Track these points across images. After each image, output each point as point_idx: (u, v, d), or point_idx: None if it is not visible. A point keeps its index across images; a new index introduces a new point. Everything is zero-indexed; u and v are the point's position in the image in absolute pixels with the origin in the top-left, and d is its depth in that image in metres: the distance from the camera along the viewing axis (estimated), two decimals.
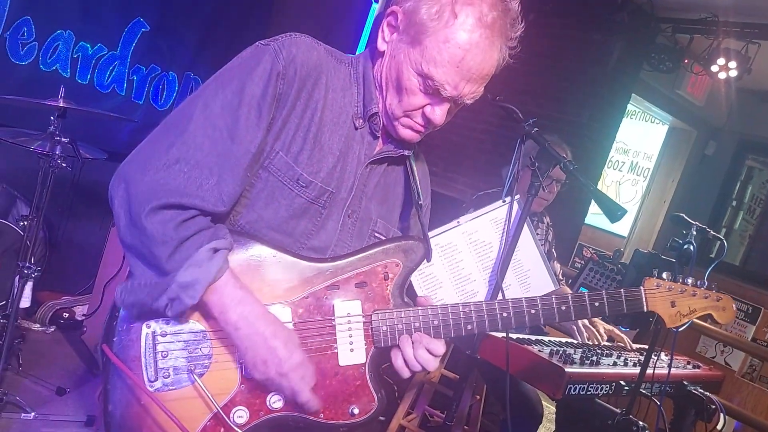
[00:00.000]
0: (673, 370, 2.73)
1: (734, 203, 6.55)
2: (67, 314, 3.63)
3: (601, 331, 2.95)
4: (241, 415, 1.20)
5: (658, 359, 2.70)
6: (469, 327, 1.31)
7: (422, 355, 1.26)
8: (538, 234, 3.23)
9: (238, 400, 1.20)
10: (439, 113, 1.26)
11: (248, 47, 1.25)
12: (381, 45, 1.29)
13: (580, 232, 5.32)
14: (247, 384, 1.21)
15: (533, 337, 2.61)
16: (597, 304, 1.39)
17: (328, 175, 1.27)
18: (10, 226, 3.22)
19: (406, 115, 1.28)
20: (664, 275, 1.49)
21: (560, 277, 3.31)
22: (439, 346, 1.28)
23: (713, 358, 4.93)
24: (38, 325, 3.50)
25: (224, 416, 1.18)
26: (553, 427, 3.32)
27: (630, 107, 5.86)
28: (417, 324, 1.28)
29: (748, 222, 6.57)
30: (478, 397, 3.20)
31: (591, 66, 4.74)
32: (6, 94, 3.14)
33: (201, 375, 1.19)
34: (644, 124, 6.92)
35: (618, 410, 2.33)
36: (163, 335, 1.18)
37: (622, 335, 3.07)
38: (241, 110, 1.16)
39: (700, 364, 3.09)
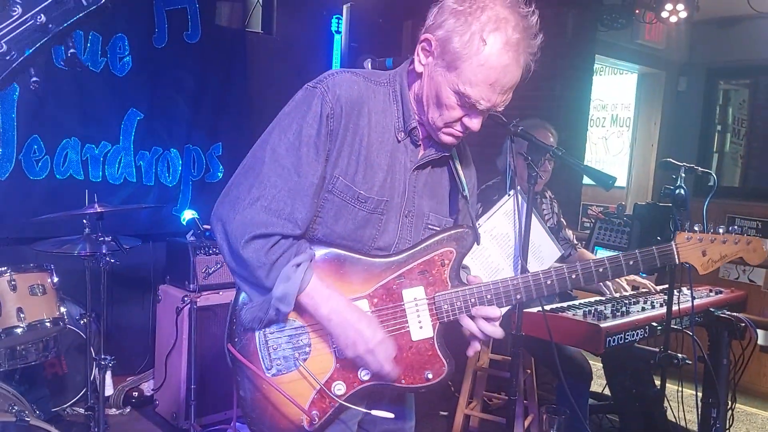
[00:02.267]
0: (697, 301, 2.94)
1: (719, 128, 6.72)
2: (137, 393, 3.86)
3: (624, 283, 3.18)
4: (339, 388, 1.48)
5: (680, 294, 2.92)
6: (518, 296, 1.53)
7: (484, 326, 1.51)
8: (544, 209, 3.46)
9: (336, 376, 1.49)
10: (476, 122, 1.47)
11: (299, 90, 1.48)
12: (418, 67, 1.48)
13: (581, 194, 5.53)
14: (341, 363, 1.48)
15: (565, 304, 2.80)
16: (632, 262, 1.57)
17: (381, 188, 1.50)
18: (68, 327, 3.45)
19: (447, 126, 1.48)
20: (696, 227, 1.65)
21: (575, 241, 3.48)
22: (494, 311, 1.50)
23: (737, 279, 5.09)
24: (114, 409, 3.73)
25: (326, 390, 1.47)
26: (604, 382, 3.52)
27: (597, 66, 6.08)
28: (473, 300, 1.51)
29: (736, 144, 6.74)
30: (529, 371, 3.41)
31: (551, 40, 4.88)
32: (31, 209, 3.40)
33: (304, 360, 1.47)
34: (614, 77, 7.16)
35: (657, 349, 2.55)
36: (272, 332, 1.47)
37: (645, 281, 3.27)
38: (301, 150, 1.41)
39: (722, 289, 3.28)
